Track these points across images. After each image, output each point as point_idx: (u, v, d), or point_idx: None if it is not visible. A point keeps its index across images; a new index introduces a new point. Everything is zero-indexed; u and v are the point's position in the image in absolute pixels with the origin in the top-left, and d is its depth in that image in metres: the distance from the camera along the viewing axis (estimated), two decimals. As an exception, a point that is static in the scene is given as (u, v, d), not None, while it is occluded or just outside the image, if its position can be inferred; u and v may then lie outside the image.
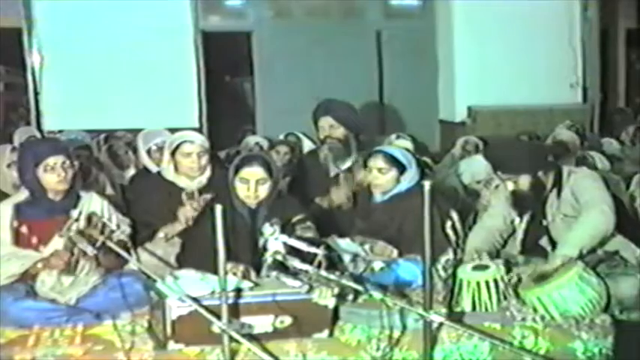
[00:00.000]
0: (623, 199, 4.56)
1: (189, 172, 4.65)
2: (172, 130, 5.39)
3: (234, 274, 3.55)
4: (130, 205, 4.80)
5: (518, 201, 4.26)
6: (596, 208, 3.97)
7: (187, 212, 4.44)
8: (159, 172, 4.85)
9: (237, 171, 4.10)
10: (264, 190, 4.08)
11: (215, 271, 3.11)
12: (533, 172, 4.17)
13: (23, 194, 4.10)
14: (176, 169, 4.68)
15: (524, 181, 4.17)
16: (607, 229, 3.96)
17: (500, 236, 4.38)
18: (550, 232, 4.22)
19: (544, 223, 4.24)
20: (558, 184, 4.20)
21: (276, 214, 3.73)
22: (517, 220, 4.34)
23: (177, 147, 4.66)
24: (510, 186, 4.21)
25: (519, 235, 4.34)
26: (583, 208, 4.02)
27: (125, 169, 6.48)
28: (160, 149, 5.30)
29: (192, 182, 4.66)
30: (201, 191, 4.60)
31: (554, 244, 4.18)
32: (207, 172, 4.69)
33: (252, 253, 3.84)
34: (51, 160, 4.01)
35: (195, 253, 3.92)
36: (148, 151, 5.41)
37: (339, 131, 5.16)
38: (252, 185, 4.06)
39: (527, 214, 4.29)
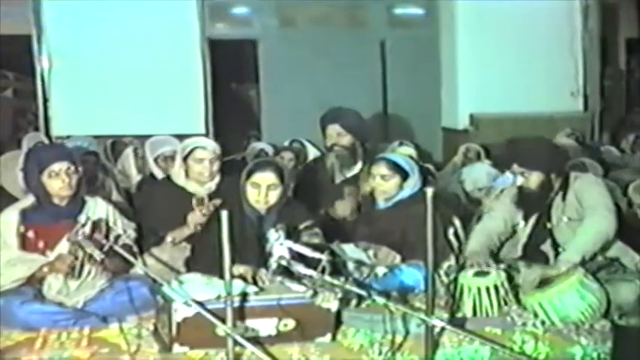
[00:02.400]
0: (621, 205, 4.59)
1: (199, 177, 4.68)
2: (179, 136, 5.43)
3: (244, 278, 3.59)
4: (138, 212, 4.82)
5: (523, 200, 4.29)
6: (598, 213, 4.02)
7: (196, 218, 4.46)
8: (167, 177, 4.88)
9: (249, 176, 4.14)
10: (274, 196, 4.11)
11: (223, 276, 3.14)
12: (547, 172, 4.21)
13: (29, 200, 4.12)
14: (186, 174, 4.72)
15: (535, 179, 4.20)
16: (609, 234, 4.01)
17: (499, 239, 4.39)
18: (554, 235, 4.24)
19: (548, 226, 4.27)
20: (564, 187, 4.24)
21: (284, 220, 3.76)
22: (522, 223, 4.37)
23: (190, 152, 4.70)
24: (520, 181, 4.24)
25: (522, 239, 4.36)
26: (586, 214, 4.07)
27: (139, 173, 6.52)
28: (167, 158, 5.34)
29: (201, 188, 4.69)
30: (210, 197, 4.62)
31: (556, 247, 4.21)
32: (217, 178, 4.72)
33: (260, 258, 3.82)
34: (55, 167, 4.03)
35: (204, 257, 3.93)
36: (156, 160, 5.44)
37: (346, 139, 5.18)
38: (263, 190, 4.09)
39: (533, 218, 4.32)
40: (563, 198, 4.23)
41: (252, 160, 4.93)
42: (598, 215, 4.02)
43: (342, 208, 4.96)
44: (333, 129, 5.21)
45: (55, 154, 4.16)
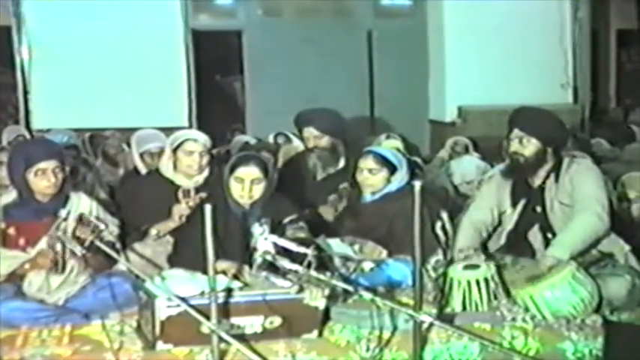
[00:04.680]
0: (612, 199, 4.56)
1: (188, 170, 4.63)
2: (163, 129, 5.37)
3: (225, 273, 3.54)
4: (121, 207, 4.77)
5: (510, 169, 4.26)
6: (591, 210, 3.99)
7: (182, 210, 4.42)
8: (156, 170, 4.82)
9: (232, 170, 4.09)
10: (258, 190, 4.07)
11: (206, 271, 3.10)
12: (545, 142, 4.18)
13: (11, 195, 4.07)
14: (175, 166, 4.67)
15: (532, 147, 4.17)
16: (600, 233, 4.00)
17: (487, 230, 4.37)
18: (549, 220, 4.19)
19: (538, 210, 4.23)
20: (557, 169, 4.20)
21: (268, 215, 3.71)
22: (509, 210, 4.32)
23: (180, 144, 4.64)
24: (515, 144, 4.19)
25: (508, 226, 4.32)
26: (578, 207, 4.03)
27: (118, 166, 6.47)
28: (153, 155, 5.27)
29: (189, 181, 4.64)
30: (197, 190, 4.58)
31: (545, 233, 4.18)
32: (206, 172, 4.68)
33: (245, 253, 3.80)
34: (43, 165, 3.97)
35: (187, 252, 3.90)
36: (142, 155, 5.37)
37: (324, 140, 5.17)
38: (246, 185, 4.05)
39: (520, 203, 4.27)
40: (556, 180, 4.19)
41: (236, 154, 4.88)
42: (591, 212, 3.98)
43: (326, 214, 4.93)
44: (309, 132, 5.23)
45: (43, 151, 4.08)
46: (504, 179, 4.36)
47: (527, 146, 4.19)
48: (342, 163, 5.14)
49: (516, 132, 4.22)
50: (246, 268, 3.68)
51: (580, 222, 3.98)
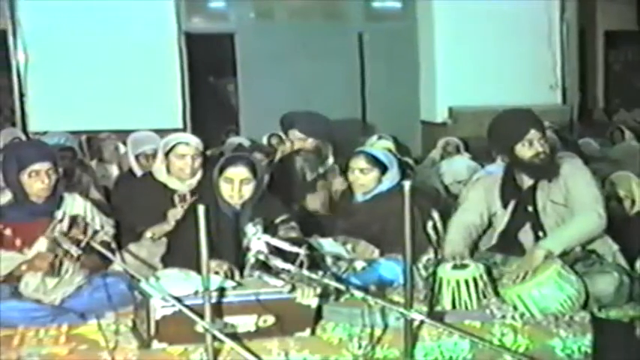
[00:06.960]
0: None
1: (180, 174, 4.65)
2: (157, 131, 5.39)
3: (217, 273, 3.57)
4: (116, 208, 4.79)
5: (535, 169, 4.21)
6: (592, 208, 4.01)
7: (178, 214, 4.44)
8: (150, 173, 4.83)
9: (221, 171, 4.10)
10: (248, 190, 4.07)
11: (199, 271, 3.13)
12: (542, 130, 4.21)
13: (6, 197, 4.08)
14: (168, 170, 4.69)
15: (547, 144, 4.20)
16: (597, 232, 4.04)
17: (476, 232, 4.38)
18: (540, 219, 4.19)
19: (529, 209, 4.24)
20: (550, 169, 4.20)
21: (260, 215, 3.74)
22: (500, 211, 4.34)
23: (172, 148, 4.66)
24: (537, 145, 4.16)
25: (500, 227, 4.33)
26: (578, 207, 4.05)
27: (111, 165, 6.49)
28: (148, 157, 5.29)
29: (183, 184, 4.67)
30: (193, 193, 4.61)
31: (537, 232, 4.19)
32: (199, 175, 4.69)
33: (236, 253, 3.83)
34: (36, 167, 3.99)
35: (180, 252, 3.90)
36: (137, 157, 5.39)
37: (309, 142, 5.23)
38: (236, 185, 4.05)
39: (511, 204, 4.29)
40: (549, 180, 4.20)
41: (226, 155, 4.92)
42: (592, 212, 4.00)
43: (313, 203, 4.97)
44: (293, 134, 5.28)
45: (36, 153, 4.11)
46: (499, 181, 4.37)
47: (545, 144, 4.21)
48: (329, 163, 5.20)
49: (534, 133, 4.21)
50: (236, 271, 3.70)
51: (580, 220, 4.01)
